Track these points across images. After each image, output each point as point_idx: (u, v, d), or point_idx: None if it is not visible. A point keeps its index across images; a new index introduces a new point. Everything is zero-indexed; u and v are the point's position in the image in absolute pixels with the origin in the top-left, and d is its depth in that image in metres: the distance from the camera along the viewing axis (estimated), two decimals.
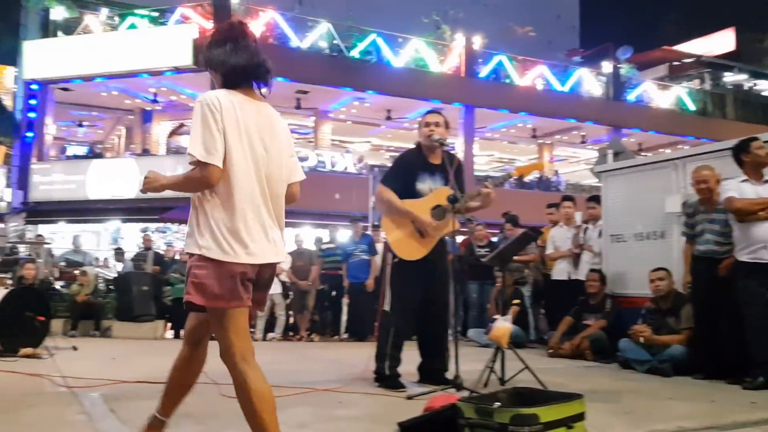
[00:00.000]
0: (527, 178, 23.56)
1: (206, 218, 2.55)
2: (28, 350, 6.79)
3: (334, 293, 10.57)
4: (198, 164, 2.50)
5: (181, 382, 2.82)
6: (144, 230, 16.31)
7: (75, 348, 7.50)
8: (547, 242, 8.21)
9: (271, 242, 2.62)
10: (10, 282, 7.83)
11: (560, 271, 8.00)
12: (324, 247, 10.75)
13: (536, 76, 23.70)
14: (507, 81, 23.24)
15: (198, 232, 2.56)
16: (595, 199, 7.96)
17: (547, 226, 8.59)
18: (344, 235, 11.67)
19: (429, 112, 5.23)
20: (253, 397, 2.55)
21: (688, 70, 32.01)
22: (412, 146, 5.31)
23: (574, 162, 30.30)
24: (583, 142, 27.26)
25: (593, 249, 7.64)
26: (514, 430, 2.87)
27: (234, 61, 2.65)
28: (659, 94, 26.54)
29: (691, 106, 26.95)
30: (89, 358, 6.94)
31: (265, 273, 2.66)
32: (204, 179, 2.50)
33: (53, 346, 7.14)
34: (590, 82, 24.82)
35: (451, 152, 5.13)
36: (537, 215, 9.38)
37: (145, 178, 2.68)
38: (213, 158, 2.48)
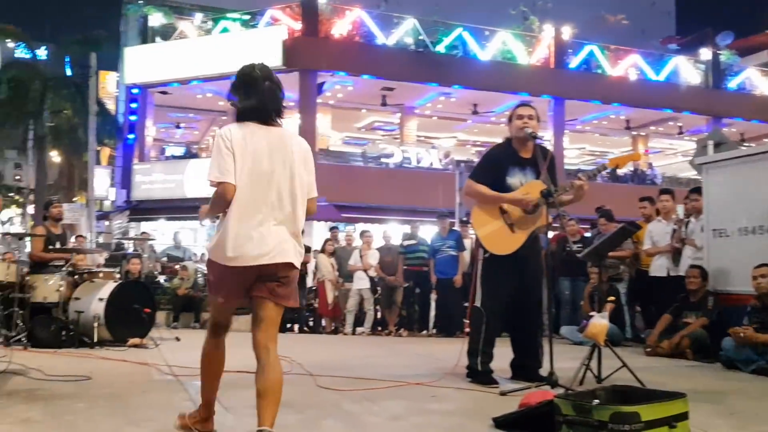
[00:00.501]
0: (621, 171, 22.91)
1: (218, 227, 3.02)
2: (136, 340, 7.18)
3: (417, 290, 10.61)
4: (216, 185, 2.94)
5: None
6: None
7: (178, 339, 7.86)
8: (644, 237, 7.95)
9: (271, 247, 2.95)
10: (118, 276, 8.27)
11: (659, 267, 7.73)
12: (406, 243, 10.79)
13: (629, 66, 22.97)
14: (598, 71, 22.63)
15: (213, 237, 3.06)
16: (698, 190, 7.62)
17: (640, 221, 8.32)
18: (426, 231, 11.68)
19: (520, 104, 5.14)
20: (203, 359, 3.22)
21: None
22: (500, 140, 5.26)
23: (670, 154, 29.22)
24: (680, 133, 26.24)
25: (696, 243, 7.34)
26: (614, 428, 2.82)
27: (240, 107, 3.11)
28: (763, 81, 25.18)
29: None
30: (191, 348, 7.19)
31: (271, 271, 2.99)
32: (221, 195, 2.94)
33: (158, 337, 7.51)
34: (687, 70, 23.84)
35: (543, 145, 5.04)
36: (631, 210, 9.10)
37: (199, 210, 3.16)
38: (225, 177, 2.92)
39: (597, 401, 2.96)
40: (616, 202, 10.53)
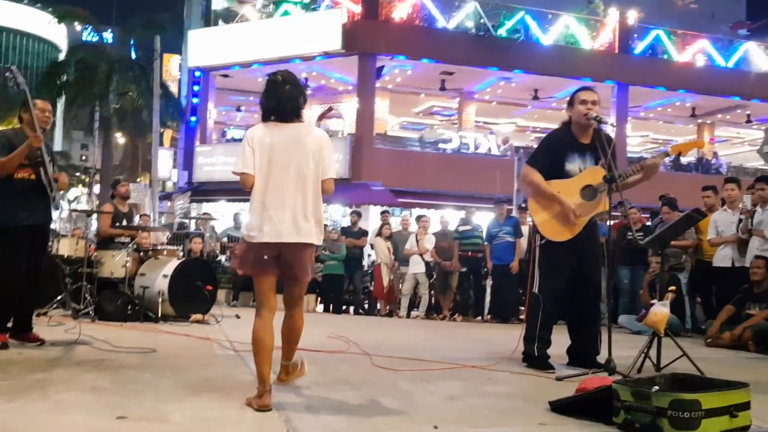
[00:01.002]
0: (685, 160, 22.32)
1: (248, 211, 3.59)
2: (198, 316, 7.37)
3: (471, 276, 10.58)
4: (239, 175, 3.53)
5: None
6: None
7: (238, 316, 8.04)
8: (708, 227, 7.75)
9: (286, 228, 3.46)
10: (181, 254, 8.50)
11: (723, 257, 7.52)
12: (461, 229, 10.74)
13: (697, 52, 22.26)
14: (664, 57, 22.01)
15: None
16: (764, 179, 7.35)
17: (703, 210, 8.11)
18: (482, 218, 11.61)
19: (582, 88, 5.05)
20: (253, 338, 3.51)
21: None
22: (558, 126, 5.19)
23: (737, 143, 28.30)
24: (747, 122, 25.35)
25: (765, 234, 7.11)
26: (673, 415, 2.79)
27: (264, 106, 3.64)
28: None
29: None
30: (251, 325, 7.36)
31: (285, 253, 3.49)
32: (243, 183, 3.55)
33: (219, 314, 7.71)
34: (758, 56, 22.96)
35: (604, 130, 4.95)
36: (695, 199, 8.85)
37: None
38: (245, 168, 3.50)
39: (656, 388, 2.93)
40: (679, 192, 10.27)
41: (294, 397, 3.52)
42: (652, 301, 4.92)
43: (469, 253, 10.41)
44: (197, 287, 7.55)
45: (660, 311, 4.63)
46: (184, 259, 8.12)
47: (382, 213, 12.36)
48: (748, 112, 24.62)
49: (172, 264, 7.61)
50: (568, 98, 5.10)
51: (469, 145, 20.85)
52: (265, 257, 3.48)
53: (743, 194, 8.09)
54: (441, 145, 21.06)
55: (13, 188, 4.90)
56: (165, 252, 8.15)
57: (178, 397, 3.45)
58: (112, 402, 3.26)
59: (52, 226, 5.95)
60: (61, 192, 5.30)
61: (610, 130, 5.01)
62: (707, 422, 2.80)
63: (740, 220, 7.44)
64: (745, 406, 2.95)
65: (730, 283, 7.14)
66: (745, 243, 7.32)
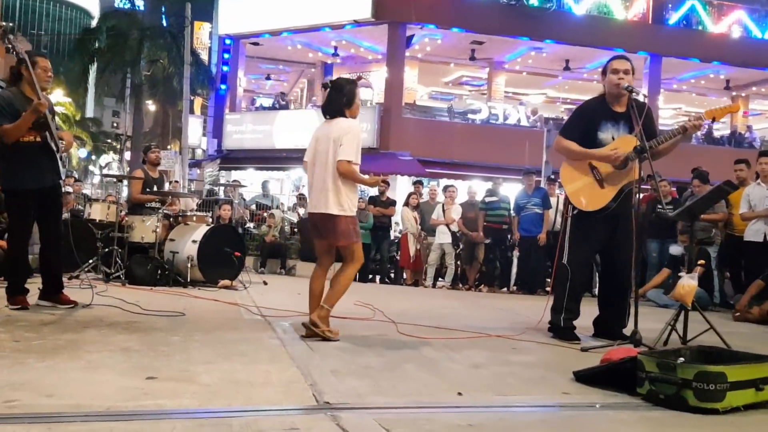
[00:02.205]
0: (718, 133, 21.88)
1: None
2: (226, 282, 7.48)
3: (497, 248, 10.53)
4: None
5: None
6: None
7: (265, 283, 8.14)
8: (740, 200, 7.63)
9: (318, 201, 4.41)
10: (210, 220, 8.58)
11: (755, 232, 7.39)
12: (487, 200, 10.69)
13: (733, 23, 21.71)
14: (699, 28, 21.50)
15: None
16: None
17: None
18: (510, 189, 11.53)
19: (615, 57, 4.97)
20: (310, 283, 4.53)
21: None
22: (588, 98, 5.14)
23: None
24: None
25: None
26: (698, 386, 2.78)
27: (321, 107, 4.63)
28: None
29: None
30: (277, 292, 7.51)
31: (323, 218, 4.38)
32: (304, 168, 4.71)
33: (247, 280, 7.80)
34: None
35: (638, 99, 4.86)
36: (727, 173, 8.69)
37: None
38: (305, 157, 4.62)
39: (682, 359, 2.92)
40: (711, 165, 10.10)
41: (320, 362, 3.57)
42: (681, 274, 4.86)
43: (495, 225, 10.38)
44: (226, 253, 7.65)
45: (688, 284, 4.58)
46: (213, 225, 8.20)
47: (415, 183, 12.34)
48: None
49: (201, 230, 7.69)
50: (600, 69, 5.03)
51: (498, 115, 20.66)
52: (314, 226, 4.51)
53: None
54: (470, 116, 20.88)
55: (19, 152, 4.87)
56: (194, 218, 8.23)
57: (206, 359, 3.50)
58: (142, 363, 3.31)
59: (85, 191, 6.03)
60: (66, 152, 5.26)
61: (641, 100, 4.92)
62: (732, 395, 2.79)
63: None
64: None
65: (761, 258, 7.04)
66: None
